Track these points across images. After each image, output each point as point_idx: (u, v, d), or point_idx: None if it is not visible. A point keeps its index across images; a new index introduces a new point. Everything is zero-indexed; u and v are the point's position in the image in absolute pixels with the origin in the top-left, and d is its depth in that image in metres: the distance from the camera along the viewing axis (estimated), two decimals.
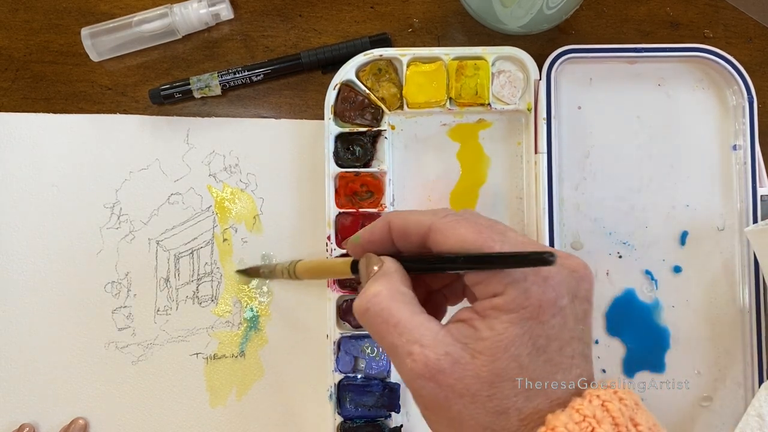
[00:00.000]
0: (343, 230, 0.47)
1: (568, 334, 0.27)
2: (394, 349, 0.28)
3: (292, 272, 0.41)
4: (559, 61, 0.47)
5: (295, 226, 0.50)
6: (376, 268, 0.30)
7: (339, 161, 0.48)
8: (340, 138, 0.48)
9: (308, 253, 0.49)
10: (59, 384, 0.49)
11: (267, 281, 0.49)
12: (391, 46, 0.50)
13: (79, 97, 0.51)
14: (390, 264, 0.30)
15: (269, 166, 0.50)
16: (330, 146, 0.47)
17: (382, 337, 0.28)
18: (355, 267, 0.33)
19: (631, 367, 0.49)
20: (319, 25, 0.51)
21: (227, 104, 0.50)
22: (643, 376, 0.49)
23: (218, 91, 0.49)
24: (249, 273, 0.49)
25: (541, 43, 0.50)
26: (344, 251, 0.47)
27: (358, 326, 0.47)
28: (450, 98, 0.48)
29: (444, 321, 0.30)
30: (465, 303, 0.34)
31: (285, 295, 0.50)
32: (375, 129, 0.48)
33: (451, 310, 0.32)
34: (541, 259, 0.25)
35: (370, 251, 0.32)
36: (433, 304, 0.33)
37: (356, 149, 0.48)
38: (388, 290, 0.29)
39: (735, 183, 0.49)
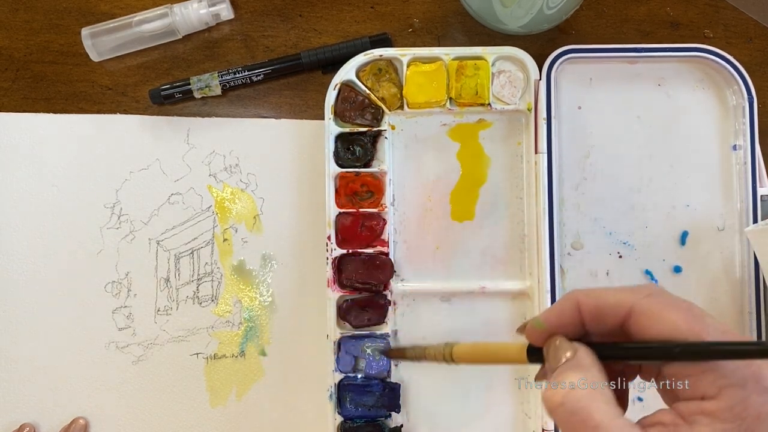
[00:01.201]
0: (343, 230, 0.47)
1: None
2: None
3: (447, 356, 0.36)
4: (560, 61, 0.47)
5: (296, 226, 0.50)
6: (569, 354, 0.27)
7: (339, 161, 0.48)
8: (340, 138, 0.48)
9: (308, 252, 0.49)
10: (59, 384, 0.49)
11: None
12: (391, 46, 0.50)
13: (79, 97, 0.51)
14: (584, 353, 0.27)
15: (269, 166, 0.50)
16: (330, 146, 0.47)
17: None
18: (532, 353, 0.29)
19: None
20: (319, 25, 0.51)
21: (227, 104, 0.51)
22: None
23: (218, 91, 0.49)
24: (392, 354, 0.45)
25: (541, 43, 0.50)
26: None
27: (358, 326, 0.47)
28: (450, 98, 0.48)
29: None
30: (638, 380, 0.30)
31: (285, 296, 0.50)
32: (375, 129, 0.48)
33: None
34: None
35: (548, 337, 0.29)
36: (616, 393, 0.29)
37: (356, 149, 0.48)
38: (587, 385, 0.25)
39: (735, 183, 0.49)
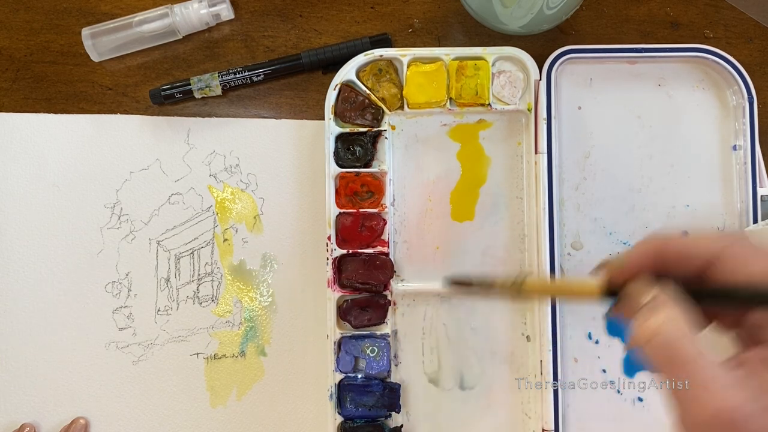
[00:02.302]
0: (344, 230, 0.47)
1: None
2: (678, 390, 0.25)
3: (518, 287, 0.34)
4: (560, 61, 0.47)
5: (296, 226, 0.50)
6: (655, 292, 0.27)
7: (339, 161, 0.48)
8: (340, 138, 0.48)
9: (309, 252, 0.49)
10: (60, 384, 0.49)
11: None
12: (391, 47, 0.50)
13: (79, 97, 0.51)
14: (674, 291, 0.27)
15: (270, 167, 0.50)
16: (330, 146, 0.47)
17: (668, 374, 0.26)
18: (609, 291, 0.30)
19: (631, 367, 0.49)
20: (319, 25, 0.51)
21: (228, 104, 0.51)
22: (644, 376, 0.49)
23: (219, 91, 0.49)
24: (456, 284, 0.38)
25: (542, 44, 0.50)
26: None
27: (358, 326, 0.47)
28: (450, 98, 0.48)
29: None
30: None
31: (285, 296, 0.50)
32: (375, 129, 0.48)
33: None
34: None
35: (629, 279, 0.29)
36: None
37: (357, 149, 0.48)
38: (676, 321, 0.26)
39: (735, 183, 0.49)
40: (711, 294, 0.27)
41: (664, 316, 0.26)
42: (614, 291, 0.29)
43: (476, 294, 0.40)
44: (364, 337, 0.47)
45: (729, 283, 0.27)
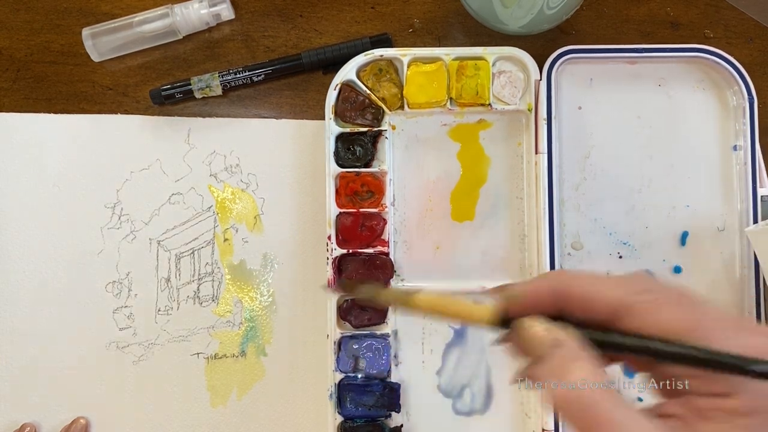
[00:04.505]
0: (344, 230, 0.47)
1: None
2: None
3: (405, 302, 0.33)
4: (560, 61, 0.47)
5: (296, 226, 0.50)
6: (559, 338, 0.25)
7: (340, 161, 0.48)
8: (340, 138, 0.48)
9: (309, 252, 0.49)
10: (60, 384, 0.49)
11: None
12: (391, 47, 0.50)
13: (80, 97, 0.51)
14: (578, 340, 0.25)
15: (270, 166, 0.50)
16: (331, 146, 0.47)
17: None
18: (502, 320, 0.28)
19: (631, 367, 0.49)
20: (319, 25, 0.51)
21: (228, 104, 0.51)
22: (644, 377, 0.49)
23: (219, 91, 0.49)
24: (346, 288, 0.41)
25: (542, 44, 0.50)
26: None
27: (358, 326, 0.47)
28: (450, 98, 0.48)
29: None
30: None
31: (286, 296, 0.50)
32: (376, 129, 0.48)
33: None
34: None
35: (529, 313, 0.27)
36: None
37: (357, 149, 0.48)
38: (595, 379, 0.24)
39: (735, 183, 0.49)
40: (616, 345, 0.25)
41: (582, 371, 0.24)
42: (508, 321, 0.28)
43: (363, 297, 0.37)
44: (364, 337, 0.47)
45: (637, 335, 0.25)
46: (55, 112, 0.50)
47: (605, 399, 0.24)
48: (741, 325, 0.25)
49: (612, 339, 0.25)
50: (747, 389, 0.23)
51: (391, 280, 0.48)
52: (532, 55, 0.47)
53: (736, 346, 0.23)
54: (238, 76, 0.49)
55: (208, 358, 0.49)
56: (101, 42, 0.49)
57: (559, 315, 0.27)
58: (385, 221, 0.48)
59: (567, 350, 0.25)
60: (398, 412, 0.47)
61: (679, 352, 0.23)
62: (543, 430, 0.46)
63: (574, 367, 0.24)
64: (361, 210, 0.47)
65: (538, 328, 0.26)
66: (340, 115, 0.48)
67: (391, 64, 0.48)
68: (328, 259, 0.47)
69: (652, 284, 0.26)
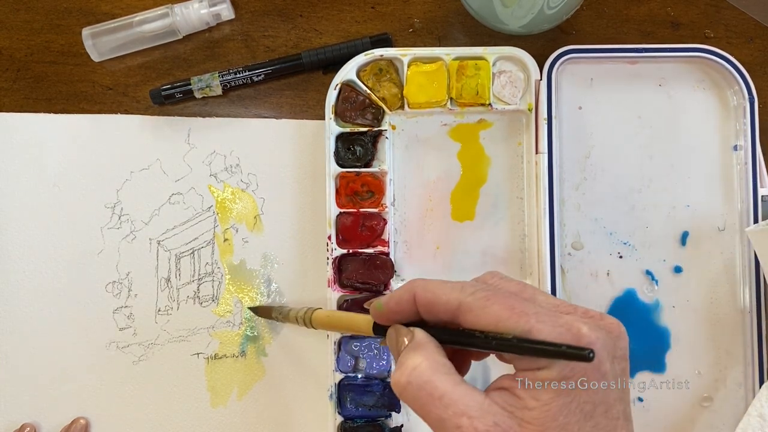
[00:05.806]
0: (344, 230, 0.47)
1: (611, 396, 0.27)
2: (441, 423, 0.27)
3: (307, 320, 0.41)
4: (560, 61, 0.47)
5: (296, 226, 0.50)
6: (406, 340, 0.30)
7: (340, 161, 0.48)
8: (340, 138, 0.48)
9: (309, 252, 0.49)
10: (60, 384, 0.49)
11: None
12: (391, 46, 0.50)
13: (80, 97, 0.51)
14: (421, 335, 0.30)
15: (270, 166, 0.50)
16: (331, 146, 0.47)
17: (428, 412, 0.27)
18: (377, 329, 0.33)
19: (631, 367, 0.49)
20: (320, 25, 0.51)
21: (228, 104, 0.51)
22: (644, 376, 0.49)
23: (219, 91, 0.49)
24: (260, 312, 0.48)
25: (542, 44, 0.50)
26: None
27: None
28: (451, 98, 0.48)
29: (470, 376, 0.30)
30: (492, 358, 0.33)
31: (286, 296, 0.50)
32: (376, 129, 0.48)
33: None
34: (581, 355, 0.25)
35: (395, 320, 0.31)
36: (457, 360, 0.32)
37: (357, 149, 0.48)
38: (427, 362, 0.28)
39: (736, 183, 0.49)
40: (453, 341, 0.29)
41: (418, 357, 0.28)
42: (382, 329, 0.32)
43: (274, 319, 0.47)
44: (364, 337, 0.47)
45: (468, 331, 0.29)
46: (55, 112, 0.50)
47: (436, 376, 0.28)
48: (557, 310, 0.28)
49: (447, 336, 0.29)
50: (559, 363, 0.26)
51: (391, 280, 0.48)
52: (532, 55, 0.47)
53: (549, 330, 0.26)
54: (238, 76, 0.49)
55: (208, 358, 0.49)
56: (101, 42, 0.49)
57: (420, 320, 0.31)
58: (385, 221, 0.48)
59: (411, 346, 0.29)
60: (398, 412, 0.47)
61: (500, 343, 0.27)
62: None
63: (411, 356, 0.29)
64: (361, 210, 0.47)
65: (390, 333, 0.31)
66: (340, 115, 0.48)
67: (392, 64, 0.48)
68: (328, 259, 0.47)
69: (495, 282, 0.30)
